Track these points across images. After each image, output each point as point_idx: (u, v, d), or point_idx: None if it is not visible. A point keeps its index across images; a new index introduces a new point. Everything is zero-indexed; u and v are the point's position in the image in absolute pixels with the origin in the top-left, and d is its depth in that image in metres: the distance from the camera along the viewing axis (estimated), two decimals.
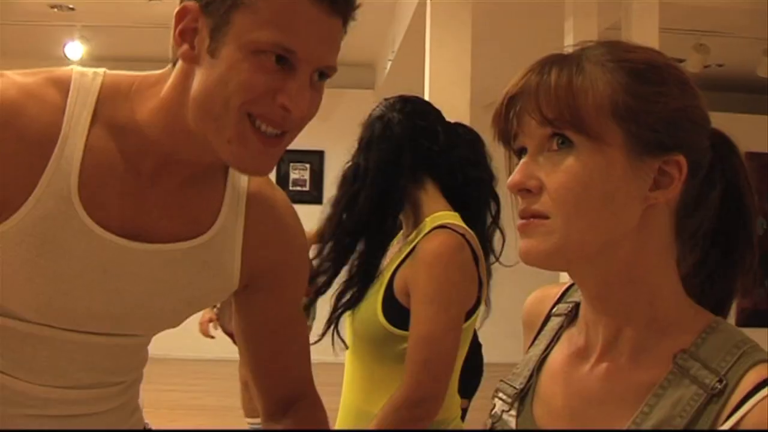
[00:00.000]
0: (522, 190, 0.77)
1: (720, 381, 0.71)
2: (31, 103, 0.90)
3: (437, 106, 1.72)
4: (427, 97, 3.58)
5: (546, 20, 4.18)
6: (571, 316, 0.88)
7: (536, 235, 0.76)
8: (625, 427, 0.74)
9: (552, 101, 0.74)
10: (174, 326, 1.07)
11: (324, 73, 0.91)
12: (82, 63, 5.93)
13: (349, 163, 1.64)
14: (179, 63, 0.92)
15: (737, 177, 0.81)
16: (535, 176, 0.76)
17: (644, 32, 3.48)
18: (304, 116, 0.90)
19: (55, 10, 5.57)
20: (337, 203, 1.63)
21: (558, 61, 0.77)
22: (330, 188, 1.72)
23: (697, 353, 0.74)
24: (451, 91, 3.52)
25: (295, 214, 1.12)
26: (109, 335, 1.01)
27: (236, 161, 0.92)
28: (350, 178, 1.62)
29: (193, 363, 6.22)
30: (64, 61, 6.02)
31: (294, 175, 7.33)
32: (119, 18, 5.74)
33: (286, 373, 1.14)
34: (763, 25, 5.01)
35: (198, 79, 0.89)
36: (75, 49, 6.07)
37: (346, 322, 1.66)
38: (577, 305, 0.88)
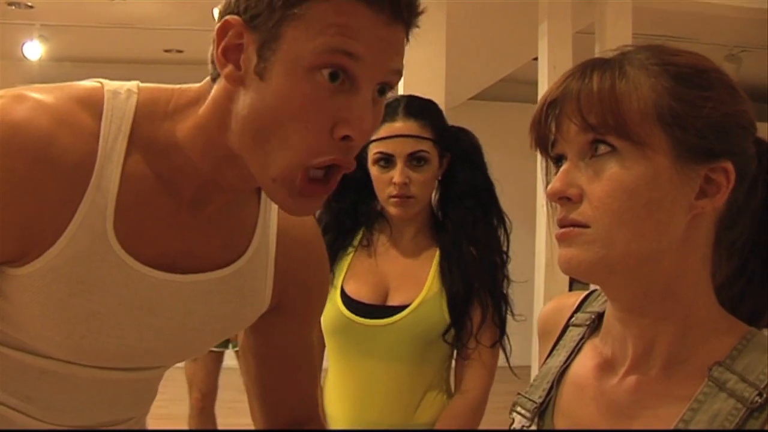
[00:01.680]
0: (562, 198, 0.73)
1: (760, 395, 0.68)
2: (64, 132, 0.79)
3: None
4: None
5: (520, 23, 4.19)
6: (593, 327, 0.85)
7: (577, 245, 0.72)
8: None
9: (595, 106, 0.71)
10: (202, 353, 1.02)
11: (384, 88, 0.81)
12: (41, 63, 5.82)
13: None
14: (221, 80, 0.82)
15: None
16: (575, 184, 0.73)
17: (618, 36, 3.50)
18: (367, 140, 0.81)
19: (13, 7, 5.40)
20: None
21: (599, 65, 0.74)
22: None
23: (733, 365, 0.71)
24: (426, 93, 3.49)
25: (319, 233, 1.07)
26: (133, 369, 0.95)
27: (277, 200, 0.84)
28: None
29: None
30: (23, 61, 5.86)
31: None
32: (80, 17, 5.59)
33: (294, 395, 1.09)
34: (726, 32, 5.10)
35: (245, 104, 0.79)
36: (34, 48, 5.88)
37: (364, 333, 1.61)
38: (599, 315, 0.84)
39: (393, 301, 1.62)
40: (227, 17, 0.79)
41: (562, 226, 0.74)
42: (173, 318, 0.90)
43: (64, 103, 0.82)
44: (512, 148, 3.74)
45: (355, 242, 1.72)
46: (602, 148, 0.72)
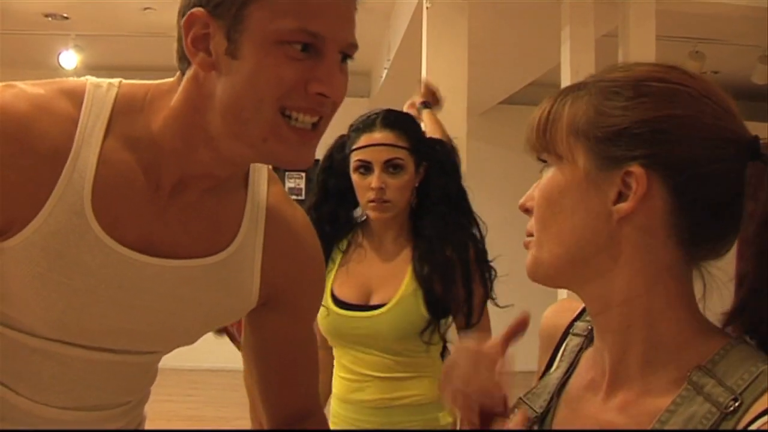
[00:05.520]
0: (526, 210, 0.82)
1: (735, 400, 0.68)
2: (43, 116, 0.87)
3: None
4: None
5: (543, 28, 4.19)
6: (590, 338, 0.87)
7: (529, 252, 0.81)
8: None
9: (539, 131, 0.80)
10: (190, 343, 1.04)
11: (346, 55, 0.88)
12: (77, 72, 5.94)
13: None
14: (190, 70, 0.89)
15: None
16: (531, 196, 0.82)
17: (641, 40, 3.49)
18: (340, 99, 0.88)
19: (50, 18, 5.55)
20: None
21: (563, 92, 0.81)
22: None
23: (713, 370, 0.72)
24: (448, 100, 3.51)
25: (312, 231, 1.10)
26: (122, 352, 0.98)
27: (276, 157, 0.89)
28: None
29: (189, 373, 6.18)
30: (59, 70, 6.00)
31: (290, 183, 7.33)
32: (114, 27, 5.72)
33: (296, 391, 1.12)
34: (758, 33, 5.03)
35: (222, 85, 0.86)
36: (69, 58, 6.05)
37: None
38: None
39: (374, 300, 1.78)
40: (192, 10, 0.86)
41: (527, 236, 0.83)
42: (155, 300, 0.94)
43: (48, 92, 0.90)
44: None
45: (341, 248, 1.86)
46: (544, 164, 0.81)
